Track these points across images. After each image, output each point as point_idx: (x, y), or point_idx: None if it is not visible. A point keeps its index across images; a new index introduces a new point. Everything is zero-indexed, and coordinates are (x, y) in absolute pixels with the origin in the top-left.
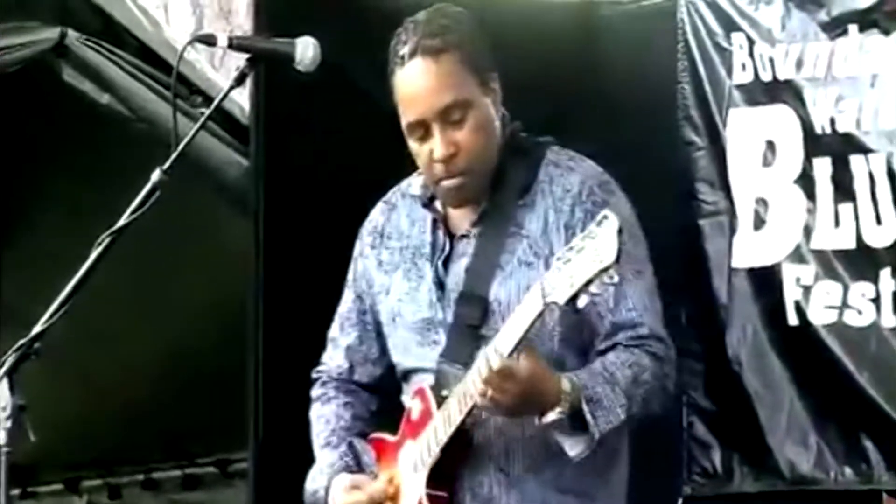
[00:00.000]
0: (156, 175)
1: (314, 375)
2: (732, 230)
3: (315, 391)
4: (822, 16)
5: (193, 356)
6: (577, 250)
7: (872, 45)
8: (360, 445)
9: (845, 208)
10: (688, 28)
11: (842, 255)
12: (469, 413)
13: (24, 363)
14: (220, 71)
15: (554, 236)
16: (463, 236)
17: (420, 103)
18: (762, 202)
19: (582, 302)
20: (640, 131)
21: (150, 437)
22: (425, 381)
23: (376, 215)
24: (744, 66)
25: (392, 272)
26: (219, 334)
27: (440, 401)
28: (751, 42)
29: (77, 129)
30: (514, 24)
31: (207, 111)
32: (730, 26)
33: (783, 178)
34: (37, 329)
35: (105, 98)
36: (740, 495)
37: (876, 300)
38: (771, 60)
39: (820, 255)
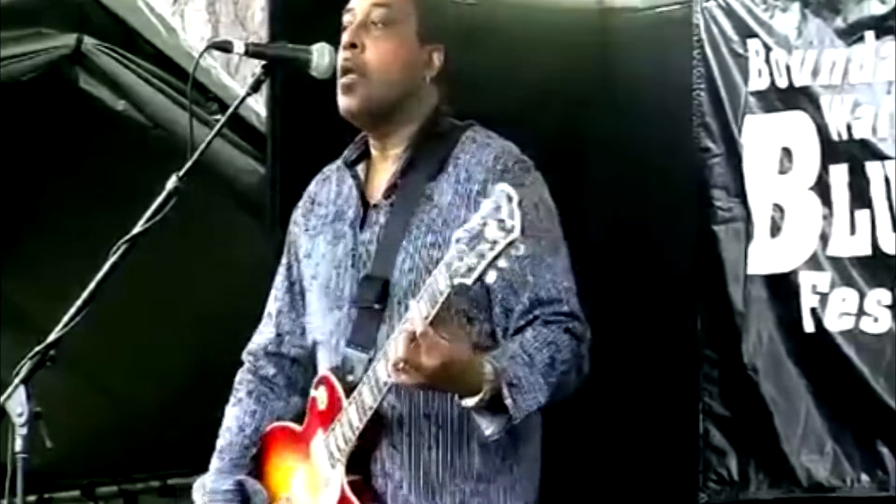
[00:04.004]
0: (171, 182)
1: (242, 357)
2: (748, 237)
3: (236, 379)
4: (839, 22)
5: (209, 363)
6: (480, 226)
7: (889, 52)
8: (251, 487)
9: (861, 215)
10: (704, 35)
11: (858, 261)
12: (383, 399)
13: (39, 370)
14: (237, 78)
15: (463, 207)
16: (376, 206)
17: None
18: (778, 209)
19: (490, 278)
20: (655, 138)
21: (166, 444)
22: (326, 360)
23: (311, 187)
24: (760, 73)
25: (316, 236)
26: (236, 341)
27: (347, 388)
28: (767, 49)
29: (93, 135)
30: (529, 30)
31: (223, 118)
32: (746, 33)
33: (799, 185)
34: (53, 336)
35: (121, 105)
36: (756, 502)
37: (892, 307)
38: (787, 67)
39: (836, 262)
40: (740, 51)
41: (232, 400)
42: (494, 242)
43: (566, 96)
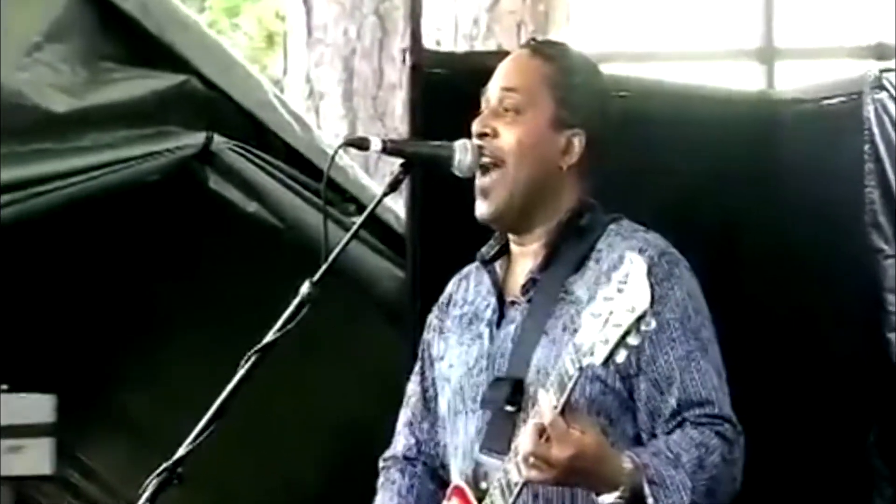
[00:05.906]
0: (305, 288)
1: (380, 464)
2: None
3: (379, 480)
4: None
5: (343, 473)
6: (607, 301)
7: None
8: None
9: None
10: (875, 128)
11: None
12: (515, 502)
13: (166, 488)
14: (375, 177)
15: None
16: (513, 302)
17: (491, 82)
18: None
19: (621, 357)
20: (822, 236)
21: None
22: (459, 468)
23: (449, 287)
24: None
25: (450, 338)
26: (370, 450)
27: (480, 496)
28: None
29: (221, 238)
30: (685, 121)
31: (359, 219)
32: None
33: None
34: (180, 452)
35: (252, 206)
36: None
37: None
38: None
39: None
40: None
41: (383, 488)
42: (623, 317)
43: (724, 190)
